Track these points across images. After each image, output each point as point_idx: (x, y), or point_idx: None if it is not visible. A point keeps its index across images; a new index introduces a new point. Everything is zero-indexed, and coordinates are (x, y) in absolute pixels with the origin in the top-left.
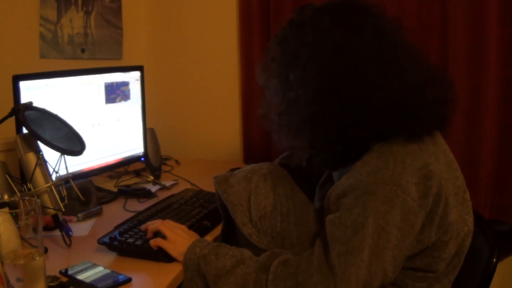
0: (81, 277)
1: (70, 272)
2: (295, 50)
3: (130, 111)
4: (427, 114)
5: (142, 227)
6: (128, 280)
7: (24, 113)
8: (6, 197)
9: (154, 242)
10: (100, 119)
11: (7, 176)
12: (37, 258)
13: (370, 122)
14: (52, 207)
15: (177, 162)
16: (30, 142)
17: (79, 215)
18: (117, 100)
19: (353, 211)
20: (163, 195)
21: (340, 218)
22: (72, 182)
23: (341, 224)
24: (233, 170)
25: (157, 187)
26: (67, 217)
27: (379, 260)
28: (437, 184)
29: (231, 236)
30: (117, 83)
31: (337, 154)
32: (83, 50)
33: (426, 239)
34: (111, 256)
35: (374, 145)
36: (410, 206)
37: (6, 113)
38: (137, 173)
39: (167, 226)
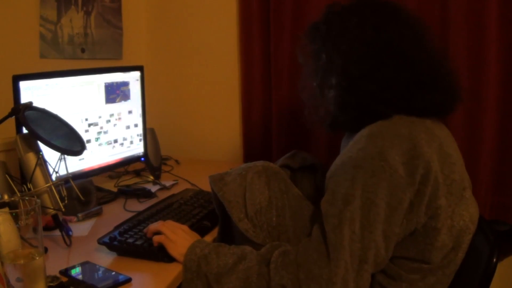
0: (81, 277)
1: (70, 272)
2: (342, 29)
3: (130, 111)
4: (447, 89)
5: (144, 230)
6: (128, 280)
7: (24, 113)
8: (6, 197)
9: (158, 239)
10: (100, 119)
11: (7, 176)
12: (37, 258)
13: (402, 88)
14: (52, 207)
15: (177, 162)
16: (30, 142)
17: (79, 215)
18: (117, 100)
19: (343, 185)
20: (163, 195)
21: (333, 194)
22: (72, 182)
23: (334, 199)
24: None
25: (157, 187)
26: (67, 217)
27: (371, 234)
28: (424, 165)
29: (228, 235)
30: (117, 83)
31: (364, 115)
32: (83, 50)
33: (415, 219)
34: (111, 256)
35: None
36: (397, 181)
37: (6, 113)
38: (137, 173)
39: (168, 227)
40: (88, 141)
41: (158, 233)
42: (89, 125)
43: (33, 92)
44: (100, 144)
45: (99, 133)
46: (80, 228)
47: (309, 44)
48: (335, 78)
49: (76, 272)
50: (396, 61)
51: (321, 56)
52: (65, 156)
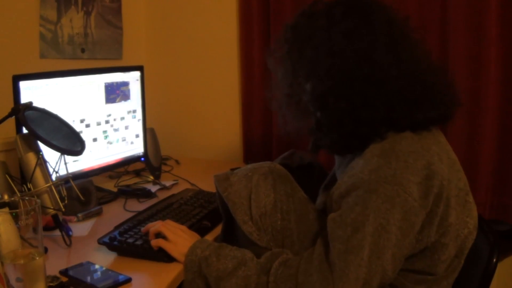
0: (81, 277)
1: (70, 272)
2: (309, 33)
3: (130, 111)
4: (437, 101)
5: (143, 229)
6: (128, 280)
7: (24, 113)
8: (6, 197)
9: (156, 243)
10: (100, 119)
11: (7, 176)
12: (37, 258)
13: (380, 105)
14: (52, 207)
15: (177, 162)
16: (30, 142)
17: (79, 215)
18: (117, 100)
19: (354, 210)
20: (163, 195)
21: (341, 217)
22: (72, 182)
23: (342, 223)
24: (233, 170)
25: (157, 187)
26: (67, 217)
27: (379, 259)
28: (438, 184)
29: (231, 235)
30: (117, 83)
31: (346, 136)
32: (83, 50)
33: (426, 239)
34: (111, 256)
35: (382, 131)
36: (411, 205)
37: (6, 113)
38: (137, 173)
39: (168, 227)
40: (95, 140)
41: (158, 234)
42: (88, 125)
43: (33, 92)
44: (100, 144)
45: (98, 133)
46: (80, 228)
47: (277, 49)
48: (301, 91)
49: (76, 272)
50: (366, 75)
51: (287, 63)
52: (65, 156)
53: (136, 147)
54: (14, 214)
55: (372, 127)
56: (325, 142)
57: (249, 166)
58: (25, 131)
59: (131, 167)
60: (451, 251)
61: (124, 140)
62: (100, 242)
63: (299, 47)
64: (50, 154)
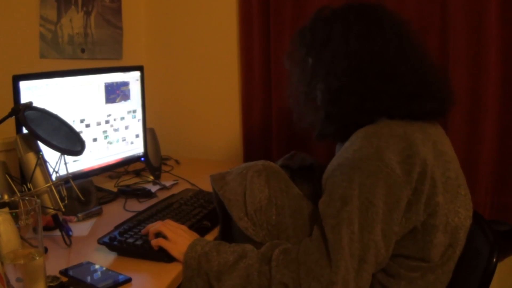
0: (81, 277)
1: (70, 272)
2: (326, 36)
3: (130, 111)
4: (434, 97)
5: (143, 230)
6: (128, 280)
7: (24, 113)
8: (6, 197)
9: (156, 242)
10: (100, 119)
11: (7, 176)
12: (37, 258)
13: (385, 99)
14: (52, 207)
15: (177, 162)
16: (30, 142)
17: (79, 215)
18: (117, 100)
19: (340, 186)
20: (163, 195)
21: (330, 196)
22: (72, 182)
23: (331, 200)
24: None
25: (157, 187)
26: (67, 217)
27: (369, 233)
28: (420, 163)
29: (228, 233)
30: (117, 83)
31: (349, 125)
32: (83, 50)
33: (414, 217)
34: (111, 256)
35: (378, 119)
36: (394, 180)
37: (6, 113)
38: (137, 173)
39: (168, 227)
40: (95, 140)
41: (158, 233)
42: (88, 125)
43: (33, 92)
44: (100, 144)
45: (98, 133)
46: (80, 228)
47: (295, 51)
48: (318, 88)
49: (76, 272)
50: (378, 72)
51: (306, 64)
52: (65, 156)
53: (136, 147)
54: (14, 214)
55: (373, 116)
56: (329, 131)
57: (244, 164)
58: (25, 131)
59: (131, 167)
60: (442, 236)
61: (124, 140)
62: (100, 242)
63: (318, 51)
64: (50, 154)
